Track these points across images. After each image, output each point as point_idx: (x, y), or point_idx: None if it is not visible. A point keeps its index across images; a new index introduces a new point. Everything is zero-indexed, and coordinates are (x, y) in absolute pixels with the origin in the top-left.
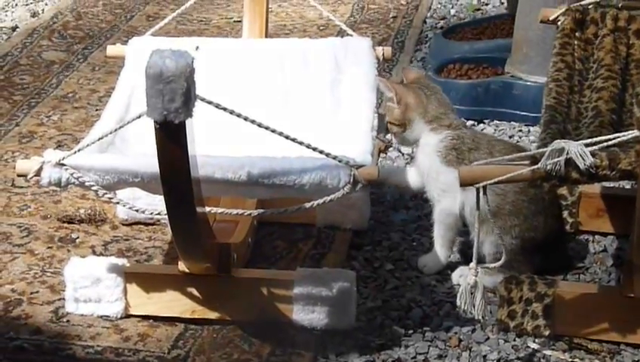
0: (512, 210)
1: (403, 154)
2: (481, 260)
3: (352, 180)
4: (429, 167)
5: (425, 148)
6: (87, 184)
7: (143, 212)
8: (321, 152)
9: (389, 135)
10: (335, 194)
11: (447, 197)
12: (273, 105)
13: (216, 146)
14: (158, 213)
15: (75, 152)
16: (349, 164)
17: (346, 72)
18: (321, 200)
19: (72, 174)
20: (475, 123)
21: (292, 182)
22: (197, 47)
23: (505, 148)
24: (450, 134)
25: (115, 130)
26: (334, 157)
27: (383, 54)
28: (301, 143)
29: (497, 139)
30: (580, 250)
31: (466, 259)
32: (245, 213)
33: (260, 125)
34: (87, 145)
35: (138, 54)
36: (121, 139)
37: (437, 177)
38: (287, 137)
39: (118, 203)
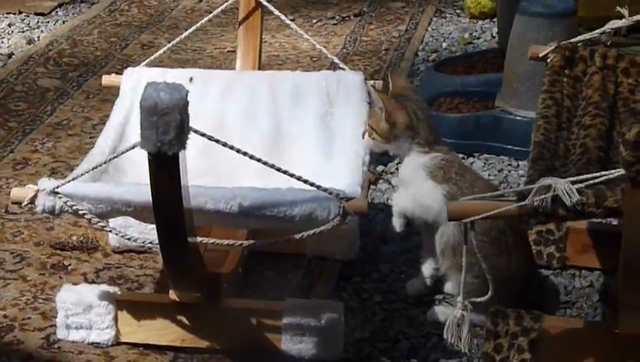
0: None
1: (393, 187)
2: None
3: (341, 212)
4: (409, 179)
5: (410, 163)
6: (80, 212)
7: (135, 241)
8: (311, 185)
9: (380, 145)
10: (325, 226)
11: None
12: (264, 137)
13: (206, 179)
14: (150, 243)
15: (70, 181)
16: (339, 196)
17: (338, 106)
18: (310, 232)
19: (65, 202)
20: (465, 156)
21: (282, 213)
22: (191, 79)
23: (486, 188)
24: (441, 156)
25: (110, 159)
26: (324, 190)
27: (374, 88)
28: (292, 175)
29: (479, 177)
30: (566, 284)
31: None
32: (236, 244)
33: (251, 157)
34: (82, 174)
35: (133, 84)
36: (115, 167)
37: (418, 189)
38: (278, 169)
39: (110, 231)
